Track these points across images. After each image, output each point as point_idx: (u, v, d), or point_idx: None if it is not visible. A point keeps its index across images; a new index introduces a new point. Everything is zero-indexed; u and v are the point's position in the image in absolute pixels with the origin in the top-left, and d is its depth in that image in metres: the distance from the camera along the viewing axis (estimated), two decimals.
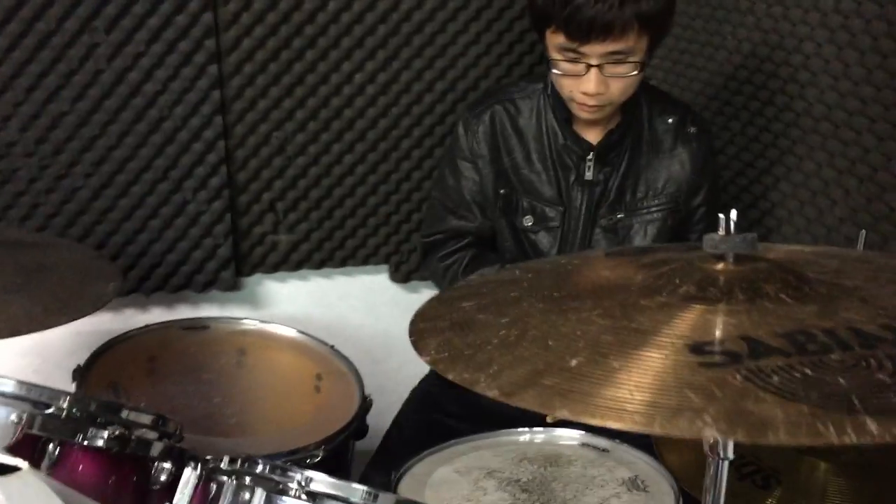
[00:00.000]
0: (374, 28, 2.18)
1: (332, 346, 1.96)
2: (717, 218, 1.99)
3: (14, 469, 1.02)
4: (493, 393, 0.80)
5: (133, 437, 1.36)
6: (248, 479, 1.20)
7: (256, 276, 2.35)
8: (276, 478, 1.20)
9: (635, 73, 1.70)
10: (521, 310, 0.96)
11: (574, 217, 1.85)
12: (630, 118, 1.81)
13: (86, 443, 1.32)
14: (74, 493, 1.24)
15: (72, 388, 1.71)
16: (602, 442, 1.68)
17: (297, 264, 2.34)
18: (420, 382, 2.06)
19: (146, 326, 1.94)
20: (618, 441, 1.67)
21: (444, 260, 1.95)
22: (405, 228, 2.37)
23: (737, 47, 2.09)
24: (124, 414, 1.38)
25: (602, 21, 1.62)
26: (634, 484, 1.57)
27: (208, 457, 1.27)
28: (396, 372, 2.19)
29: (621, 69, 1.69)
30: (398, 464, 1.59)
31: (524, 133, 1.86)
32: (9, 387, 1.31)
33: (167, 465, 1.39)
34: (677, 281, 0.94)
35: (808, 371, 0.75)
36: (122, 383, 1.77)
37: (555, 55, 1.71)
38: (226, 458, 1.25)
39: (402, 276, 2.41)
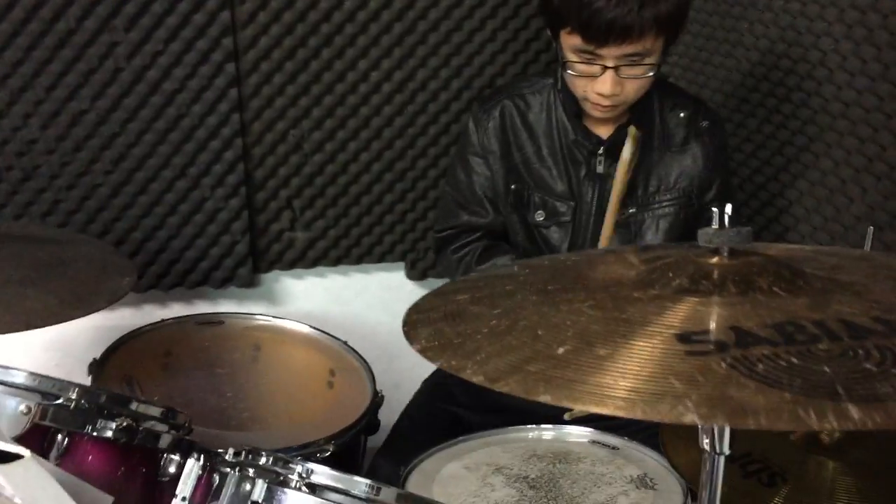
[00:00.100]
0: (390, 26, 2.19)
1: (345, 342, 1.97)
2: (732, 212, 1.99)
3: (17, 457, 1.04)
4: (478, 378, 0.80)
5: (141, 428, 1.37)
6: (251, 470, 1.21)
7: (273, 273, 2.36)
8: (277, 469, 1.21)
9: (651, 74, 1.70)
10: (515, 302, 0.96)
11: (585, 212, 1.85)
12: (641, 113, 1.80)
13: (94, 434, 1.34)
14: (83, 484, 1.26)
15: (88, 381, 1.74)
16: (612, 440, 1.68)
17: (314, 261, 2.35)
18: (432, 374, 2.06)
19: (161, 321, 1.96)
20: (627, 439, 1.67)
21: (458, 252, 1.96)
22: (421, 226, 2.38)
23: (754, 44, 2.08)
24: (133, 406, 1.40)
25: (621, 24, 1.60)
26: (643, 482, 1.57)
27: (220, 450, 1.28)
28: (411, 370, 2.18)
29: (637, 70, 1.68)
30: (407, 458, 1.59)
31: (534, 128, 1.85)
32: (19, 378, 1.33)
33: (176, 457, 1.40)
34: (670, 274, 0.93)
35: (794, 360, 0.75)
36: (136, 377, 1.79)
37: (570, 56, 1.70)
38: (230, 450, 1.26)
39: (418, 273, 2.42)
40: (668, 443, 1.41)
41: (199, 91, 2.11)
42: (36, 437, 1.30)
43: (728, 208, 0.95)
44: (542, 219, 1.87)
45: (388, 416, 1.94)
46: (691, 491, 1.47)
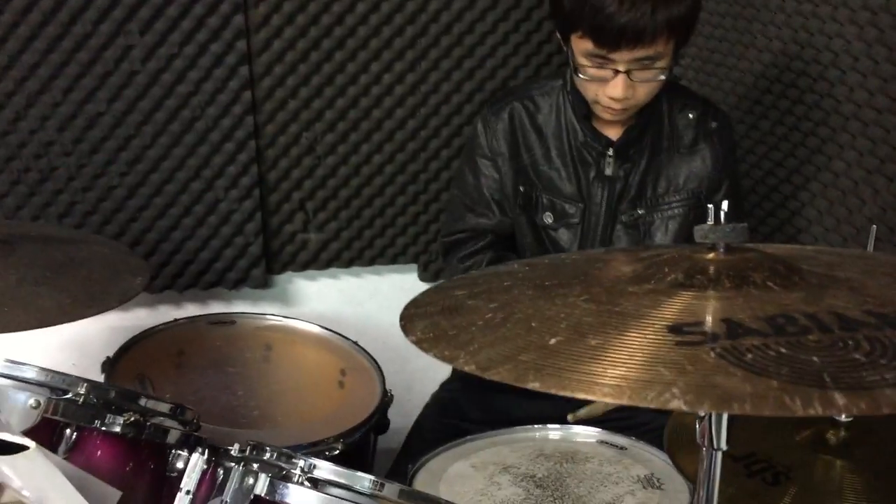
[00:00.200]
0: (403, 29, 2.21)
1: (356, 343, 1.99)
2: (739, 212, 1.98)
3: (22, 448, 1.06)
4: (470, 368, 0.81)
5: (149, 423, 1.39)
6: (254, 465, 1.22)
7: (287, 275, 2.38)
8: (280, 464, 1.22)
9: (662, 77, 1.69)
10: (511, 296, 0.97)
11: (594, 213, 1.85)
12: (650, 114, 1.80)
13: (103, 428, 1.35)
14: (91, 478, 1.28)
15: (101, 380, 1.75)
16: (620, 440, 1.68)
17: (327, 263, 2.37)
18: (440, 387, 2.06)
19: (174, 321, 1.99)
20: (635, 439, 1.67)
21: (464, 261, 1.96)
22: (433, 228, 2.39)
23: (766, 46, 2.07)
24: (142, 402, 1.41)
25: (633, 29, 1.60)
26: (650, 482, 1.57)
27: (229, 447, 1.29)
28: (424, 372, 2.19)
29: (648, 74, 1.68)
30: (416, 461, 1.60)
31: (543, 130, 1.86)
32: (30, 373, 1.35)
33: (184, 453, 1.41)
34: (666, 269, 0.94)
35: (783, 350, 0.75)
36: (149, 375, 1.81)
37: (581, 60, 1.70)
38: (235, 446, 1.28)
39: (430, 275, 2.43)
40: (672, 443, 1.41)
41: (213, 94, 2.14)
42: (45, 431, 1.31)
43: (724, 205, 0.96)
44: (550, 221, 1.87)
45: (401, 418, 1.94)
46: None
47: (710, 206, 0.96)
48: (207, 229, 2.24)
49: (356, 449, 1.74)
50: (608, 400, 0.72)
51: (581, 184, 1.85)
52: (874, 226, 1.27)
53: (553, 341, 0.82)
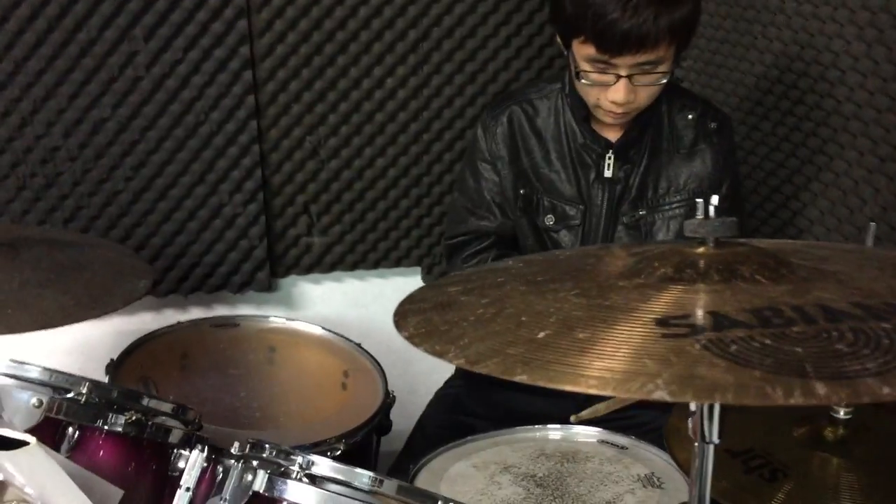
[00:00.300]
0: (405, 33, 2.23)
1: (358, 344, 2.00)
2: (740, 211, 1.98)
3: (23, 444, 1.07)
4: (459, 362, 0.82)
5: (151, 423, 1.40)
6: (253, 462, 1.23)
7: (291, 278, 2.40)
8: (279, 461, 1.23)
9: (664, 81, 1.70)
10: (503, 292, 0.98)
11: (595, 215, 1.85)
12: (649, 115, 1.81)
13: (106, 427, 1.37)
14: (93, 477, 1.29)
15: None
16: (620, 439, 1.69)
17: (331, 266, 2.38)
18: (444, 384, 2.07)
19: (178, 324, 2.00)
20: (635, 439, 1.67)
21: (468, 262, 1.96)
22: (437, 231, 2.40)
23: (767, 47, 2.08)
24: (144, 401, 1.43)
25: (636, 35, 1.60)
26: (650, 480, 1.57)
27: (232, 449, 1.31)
28: (428, 374, 2.20)
29: (650, 78, 1.68)
30: (417, 460, 1.60)
31: (542, 133, 1.87)
32: (33, 373, 1.36)
33: (186, 453, 1.42)
34: (656, 264, 0.94)
35: (767, 341, 0.76)
36: (152, 378, 1.83)
37: (583, 65, 1.70)
38: (235, 444, 1.29)
39: (434, 278, 2.44)
40: (672, 439, 1.41)
41: (217, 98, 2.16)
42: (48, 430, 1.33)
43: (714, 199, 0.96)
44: (551, 223, 1.88)
45: (404, 420, 1.95)
46: None
47: (698, 200, 0.96)
48: (212, 233, 2.26)
49: (358, 449, 1.75)
50: (592, 392, 0.73)
51: (581, 186, 1.85)
52: (872, 223, 1.27)
53: (542, 335, 0.83)
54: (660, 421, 1.51)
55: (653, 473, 1.59)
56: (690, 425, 0.99)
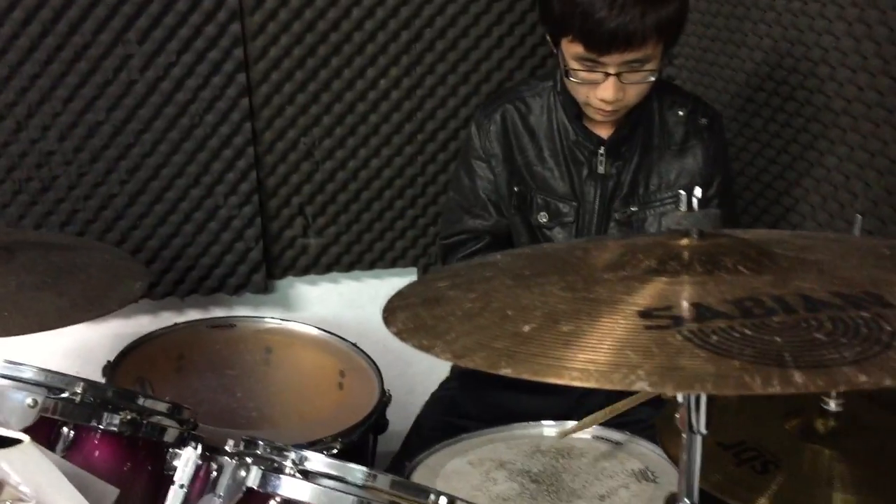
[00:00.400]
0: (398, 34, 2.24)
1: (354, 344, 2.01)
2: (732, 207, 1.98)
3: (16, 442, 1.08)
4: (446, 356, 0.83)
5: (146, 422, 1.41)
6: (247, 459, 1.24)
7: (287, 279, 2.41)
8: (272, 457, 1.23)
9: (652, 78, 1.71)
10: (491, 286, 0.99)
11: (588, 211, 1.86)
12: (640, 112, 1.82)
13: (101, 427, 1.37)
14: (89, 476, 1.30)
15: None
16: (615, 435, 1.70)
17: (327, 267, 2.39)
18: (439, 386, 2.08)
19: (174, 325, 2.01)
20: (630, 434, 1.68)
21: (463, 260, 1.97)
22: (432, 231, 2.41)
23: (757, 44, 2.09)
24: (140, 401, 1.43)
25: (624, 33, 1.61)
26: (644, 475, 1.58)
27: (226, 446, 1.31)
28: (425, 375, 2.21)
29: (639, 76, 1.70)
30: (413, 458, 1.61)
31: (535, 131, 1.88)
32: (28, 373, 1.37)
33: (181, 452, 1.43)
34: (640, 256, 0.95)
35: (747, 331, 0.77)
36: (149, 379, 1.84)
37: (572, 64, 1.72)
38: (230, 442, 1.29)
39: None
40: (664, 434, 1.42)
41: (211, 101, 2.17)
42: (43, 430, 1.33)
43: (697, 191, 0.97)
44: (545, 220, 1.89)
45: (401, 420, 1.96)
46: None
47: (681, 192, 0.97)
48: (208, 235, 2.27)
49: (355, 448, 1.76)
50: (575, 384, 0.74)
51: (574, 183, 1.87)
52: (859, 215, 1.28)
53: (527, 328, 0.84)
54: (655, 417, 1.52)
55: (647, 468, 1.60)
56: (678, 417, 1.00)
